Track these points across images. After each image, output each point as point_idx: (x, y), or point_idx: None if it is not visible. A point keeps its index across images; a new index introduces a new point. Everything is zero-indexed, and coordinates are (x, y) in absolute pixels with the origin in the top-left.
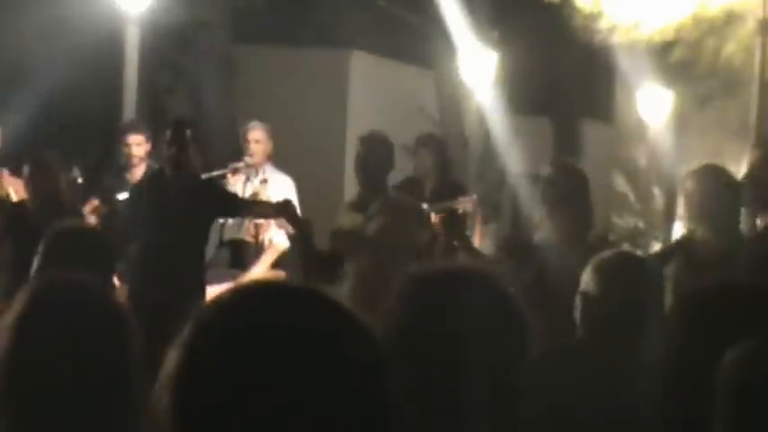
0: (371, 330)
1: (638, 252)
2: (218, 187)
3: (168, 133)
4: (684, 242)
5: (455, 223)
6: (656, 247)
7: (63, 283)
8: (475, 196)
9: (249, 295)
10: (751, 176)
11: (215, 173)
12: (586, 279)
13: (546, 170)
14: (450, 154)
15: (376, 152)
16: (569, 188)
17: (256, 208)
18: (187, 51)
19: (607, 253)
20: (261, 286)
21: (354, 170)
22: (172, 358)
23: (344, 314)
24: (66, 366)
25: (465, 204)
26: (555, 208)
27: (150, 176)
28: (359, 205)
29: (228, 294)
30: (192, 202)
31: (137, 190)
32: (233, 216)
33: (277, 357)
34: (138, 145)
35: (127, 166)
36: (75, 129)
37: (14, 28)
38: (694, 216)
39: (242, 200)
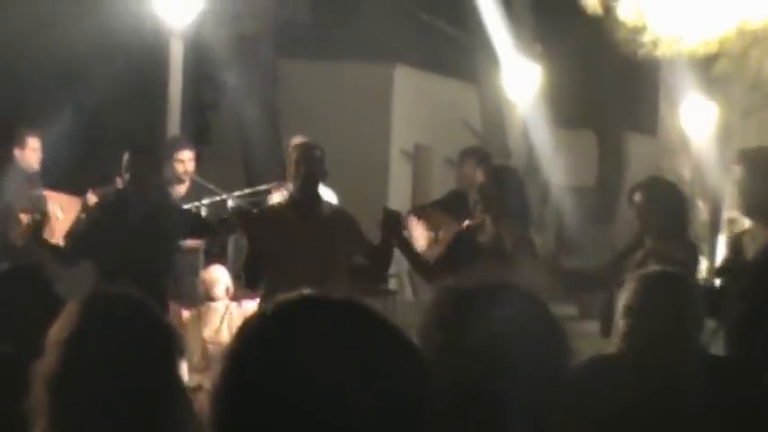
0: (412, 344)
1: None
2: (177, 209)
3: (125, 158)
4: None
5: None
6: (701, 260)
7: (111, 299)
8: None
9: (292, 308)
10: None
11: (260, 188)
12: (628, 293)
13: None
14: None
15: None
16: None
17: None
18: (231, 66)
19: (650, 269)
20: (303, 299)
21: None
22: (217, 370)
23: (386, 327)
24: (113, 380)
25: None
26: None
27: (113, 199)
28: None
29: (272, 307)
30: (154, 226)
31: (95, 212)
32: (200, 237)
33: (319, 370)
34: (190, 160)
35: (175, 180)
36: (118, 143)
37: (61, 42)
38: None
39: (206, 220)
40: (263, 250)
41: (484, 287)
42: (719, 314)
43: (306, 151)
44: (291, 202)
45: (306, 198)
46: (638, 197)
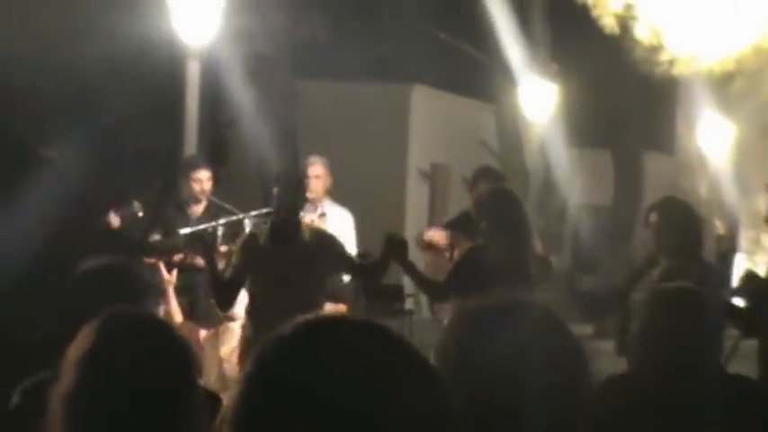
0: (430, 364)
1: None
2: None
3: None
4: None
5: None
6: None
7: (127, 318)
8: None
9: (310, 329)
10: None
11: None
12: (644, 310)
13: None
14: (508, 187)
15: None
16: None
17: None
18: (248, 86)
19: (665, 285)
20: (320, 320)
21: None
22: (234, 392)
23: (404, 348)
24: (129, 400)
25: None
26: None
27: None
28: None
29: (290, 328)
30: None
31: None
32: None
33: (338, 391)
34: (207, 180)
35: (192, 200)
36: (135, 162)
37: (77, 62)
38: None
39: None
40: (243, 275)
41: (501, 306)
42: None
43: (284, 178)
44: (271, 228)
45: (284, 224)
46: (653, 217)
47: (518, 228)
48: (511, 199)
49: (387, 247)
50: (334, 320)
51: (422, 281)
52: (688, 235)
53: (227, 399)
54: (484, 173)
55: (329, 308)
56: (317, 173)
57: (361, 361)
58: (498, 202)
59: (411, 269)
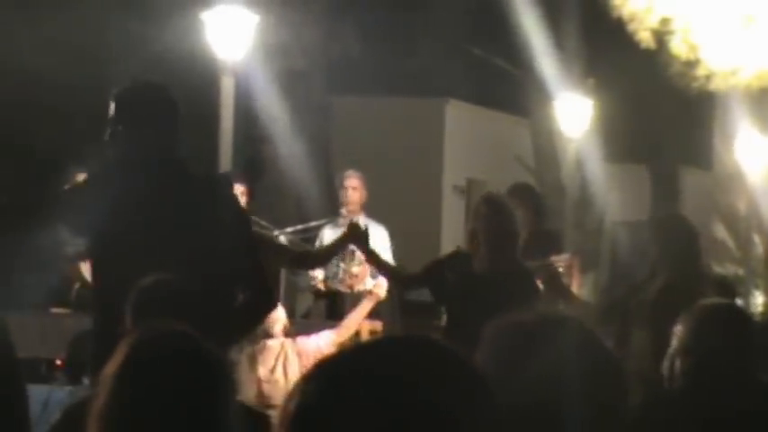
0: (486, 378)
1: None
2: None
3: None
4: None
5: (556, 282)
6: (757, 295)
7: (163, 335)
8: (568, 255)
9: (369, 348)
10: None
11: (312, 223)
12: (685, 327)
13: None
14: (544, 203)
15: None
16: None
17: None
18: (282, 101)
19: (705, 302)
20: (380, 339)
21: None
22: (289, 405)
23: (462, 363)
24: (163, 417)
25: (559, 263)
26: None
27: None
28: None
29: (354, 347)
30: None
31: None
32: None
33: (396, 407)
34: (241, 195)
35: None
36: None
37: (111, 78)
38: None
39: None
40: None
41: (539, 321)
42: None
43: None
44: None
45: None
46: (651, 232)
47: (505, 240)
48: (499, 211)
49: (347, 233)
50: (394, 338)
51: (385, 266)
52: (685, 249)
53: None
54: (518, 190)
55: (366, 325)
56: (354, 185)
57: (421, 377)
58: (489, 212)
59: (372, 255)
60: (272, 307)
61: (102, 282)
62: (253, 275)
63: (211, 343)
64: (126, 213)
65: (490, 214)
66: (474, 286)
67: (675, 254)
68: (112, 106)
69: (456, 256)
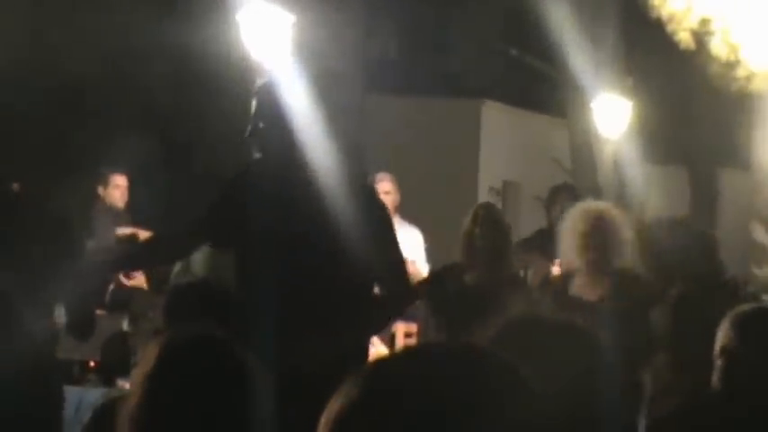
0: (529, 381)
1: None
2: None
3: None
4: None
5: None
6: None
7: (190, 337)
8: None
9: (414, 356)
10: None
11: None
12: (724, 334)
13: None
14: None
15: None
16: None
17: None
18: (318, 102)
19: (745, 307)
20: (429, 344)
21: None
22: (334, 405)
23: (510, 370)
24: (192, 417)
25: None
26: None
27: None
28: None
29: (402, 350)
30: None
31: None
32: None
33: (440, 413)
34: None
35: None
36: (204, 181)
37: (146, 78)
38: None
39: None
40: None
41: (547, 325)
42: None
43: None
44: None
45: None
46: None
47: (497, 254)
48: (494, 221)
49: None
50: (439, 345)
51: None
52: (696, 255)
53: None
54: (561, 191)
55: (401, 327)
56: (386, 189)
57: (474, 385)
58: (483, 222)
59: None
60: (413, 299)
61: (248, 280)
62: (393, 269)
63: (347, 336)
64: (273, 210)
65: (484, 224)
66: (469, 297)
67: (693, 263)
68: (253, 103)
69: (452, 267)
